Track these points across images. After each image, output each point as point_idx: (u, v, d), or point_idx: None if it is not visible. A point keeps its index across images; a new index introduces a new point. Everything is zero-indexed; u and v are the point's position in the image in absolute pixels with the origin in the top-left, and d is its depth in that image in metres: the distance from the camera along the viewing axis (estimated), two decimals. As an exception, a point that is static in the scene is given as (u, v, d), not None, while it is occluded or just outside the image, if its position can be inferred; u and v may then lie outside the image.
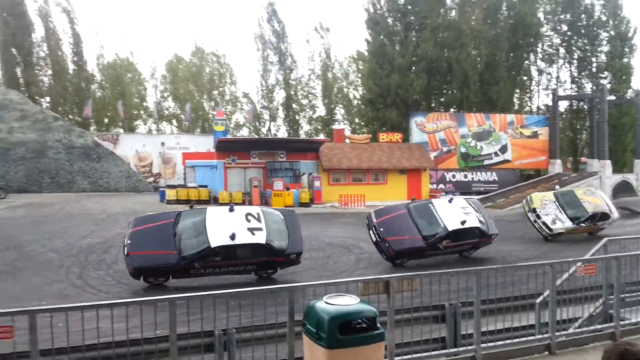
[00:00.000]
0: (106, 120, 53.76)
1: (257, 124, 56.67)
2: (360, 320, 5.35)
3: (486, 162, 41.43)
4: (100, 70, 56.01)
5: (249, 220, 13.19)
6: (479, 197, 31.59)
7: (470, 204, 16.32)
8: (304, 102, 57.53)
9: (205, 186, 31.93)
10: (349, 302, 5.46)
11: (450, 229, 15.08)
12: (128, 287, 12.60)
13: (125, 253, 12.55)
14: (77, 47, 53.66)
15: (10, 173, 36.19)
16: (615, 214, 21.58)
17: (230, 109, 58.11)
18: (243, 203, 29.51)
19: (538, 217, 19.83)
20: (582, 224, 19.98)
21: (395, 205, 17.79)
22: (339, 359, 4.99)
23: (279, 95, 56.56)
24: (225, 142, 32.73)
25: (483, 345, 6.25)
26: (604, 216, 20.66)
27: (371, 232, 15.58)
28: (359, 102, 55.03)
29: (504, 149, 42.00)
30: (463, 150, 41.18)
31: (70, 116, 50.74)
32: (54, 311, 4.65)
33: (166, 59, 62.44)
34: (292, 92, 56.03)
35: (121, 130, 49.66)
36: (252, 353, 6.19)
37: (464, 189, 38.77)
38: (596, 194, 22.16)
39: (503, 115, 42.89)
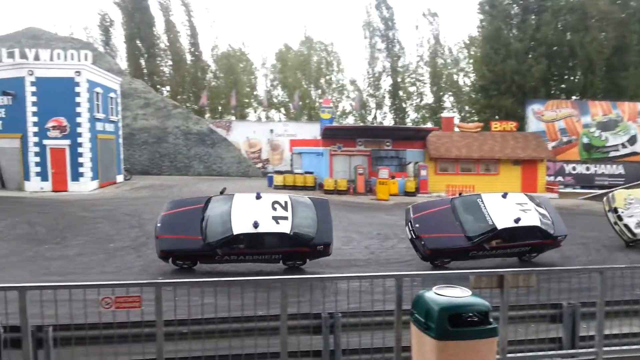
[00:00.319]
0: (220, 108, 56.77)
1: (363, 111, 56.72)
2: (471, 314, 5.20)
3: (612, 154, 38.02)
4: (214, 61, 59.18)
5: (275, 209, 12.96)
6: (603, 191, 29.15)
7: (532, 200, 14.54)
8: (411, 89, 56.57)
9: (312, 173, 32.64)
10: (460, 294, 5.32)
11: (500, 227, 13.29)
12: (236, 267, 13.23)
13: (155, 235, 12.91)
14: (194, 38, 57.10)
15: (134, 156, 39.59)
16: None
17: (337, 96, 58.71)
18: (348, 190, 29.80)
19: (619, 218, 16.89)
20: None
21: (438, 200, 16.73)
22: (449, 351, 4.89)
23: (386, 83, 56.13)
24: (332, 129, 33.14)
25: (606, 348, 5.78)
26: None
27: (407, 227, 14.36)
28: (470, 89, 52.99)
29: (632, 140, 38.26)
30: (585, 140, 38.13)
31: (188, 104, 54.28)
32: (178, 285, 5.01)
33: (276, 48, 64.38)
34: (399, 80, 55.30)
35: (233, 118, 52.20)
36: (358, 338, 6.24)
37: (585, 182, 35.96)
38: None
39: (633, 104, 38.99)
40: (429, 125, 49.64)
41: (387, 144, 32.26)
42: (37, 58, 28.67)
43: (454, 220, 13.80)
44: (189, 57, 57.22)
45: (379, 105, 56.64)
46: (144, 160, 40.13)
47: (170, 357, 5.23)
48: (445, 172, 32.11)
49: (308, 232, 12.74)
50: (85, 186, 27.81)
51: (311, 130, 42.57)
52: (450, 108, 55.77)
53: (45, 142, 27.28)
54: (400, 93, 55.54)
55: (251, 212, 12.69)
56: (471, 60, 53.75)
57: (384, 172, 29.52)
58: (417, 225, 13.77)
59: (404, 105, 56.31)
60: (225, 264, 12.86)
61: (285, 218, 12.68)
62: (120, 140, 34.84)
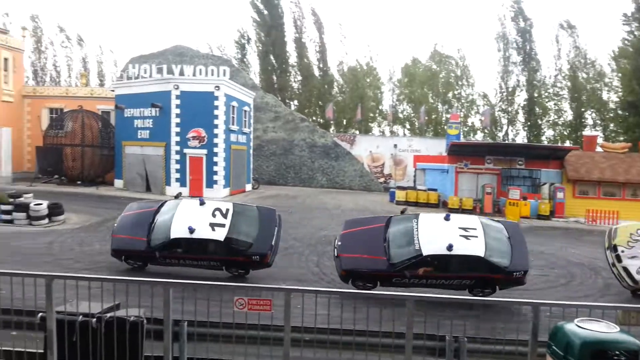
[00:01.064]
0: (344, 121, 57.93)
1: (494, 128, 54.43)
2: (618, 352, 4.74)
3: None
4: (341, 75, 60.61)
5: (214, 216, 12.89)
6: None
7: (487, 226, 12.28)
8: (549, 105, 53.20)
9: (435, 190, 31.94)
10: (605, 330, 4.88)
11: (425, 253, 11.46)
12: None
13: (111, 234, 13.79)
14: (323, 54, 59.01)
15: (262, 167, 41.73)
16: None
17: (465, 112, 57.03)
18: (474, 210, 28.68)
19: (618, 259, 13.36)
20: None
21: (375, 217, 14.99)
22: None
23: (520, 98, 53.42)
24: (459, 146, 32.21)
25: None
26: None
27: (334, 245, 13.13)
28: (617, 105, 48.53)
29: None
30: None
31: (314, 118, 56.12)
32: (306, 292, 5.17)
33: (403, 62, 64.29)
34: (536, 94, 52.29)
35: (357, 132, 52.92)
36: (485, 367, 5.96)
37: None
38: None
39: None
40: (568, 144, 46.18)
41: (520, 162, 30.57)
42: (182, 73, 31.54)
43: (381, 241, 12.28)
44: (317, 72, 59.27)
45: (511, 122, 54.06)
46: (271, 170, 42.13)
47: (295, 363, 5.40)
48: (585, 196, 29.59)
49: (244, 241, 12.70)
50: (218, 192, 29.84)
51: (436, 146, 41.75)
52: (593, 126, 51.51)
53: (185, 150, 29.81)
54: (536, 109, 52.47)
55: (191, 218, 12.81)
56: (619, 74, 49.27)
57: (514, 193, 27.99)
58: (339, 243, 12.56)
59: (539, 121, 53.10)
60: (170, 267, 13.05)
61: (222, 225, 12.67)
62: (251, 151, 36.98)
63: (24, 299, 5.74)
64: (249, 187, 35.79)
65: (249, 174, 36.42)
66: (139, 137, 31.18)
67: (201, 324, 5.75)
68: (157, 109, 30.11)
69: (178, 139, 29.78)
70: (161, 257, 12.79)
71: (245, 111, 34.52)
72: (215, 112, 29.88)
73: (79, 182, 32.17)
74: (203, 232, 12.52)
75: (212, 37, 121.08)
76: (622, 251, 13.11)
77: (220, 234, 12.51)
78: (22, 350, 5.85)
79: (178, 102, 29.69)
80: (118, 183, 32.78)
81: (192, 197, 14.63)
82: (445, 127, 44.25)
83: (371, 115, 58.72)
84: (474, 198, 29.86)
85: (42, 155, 33.03)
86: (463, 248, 11.35)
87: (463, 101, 57.69)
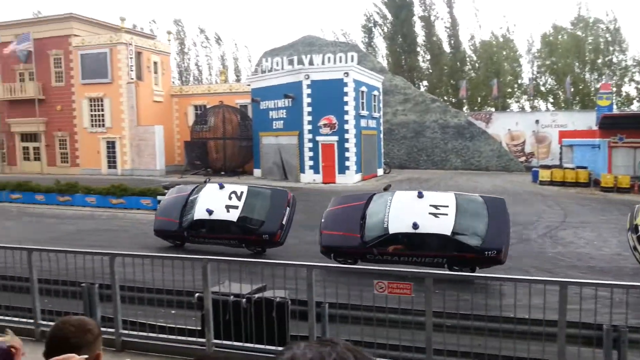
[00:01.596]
0: (479, 99, 55.40)
1: (654, 96, 48.49)
2: None
3: None
4: (473, 51, 57.93)
5: (230, 198, 14.03)
6: None
7: (463, 203, 11.85)
8: None
9: (585, 167, 29.38)
10: None
11: (391, 231, 11.39)
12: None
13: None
14: (454, 30, 56.81)
15: (393, 151, 41.52)
16: None
17: (617, 80, 51.46)
18: (631, 188, 25.92)
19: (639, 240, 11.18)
20: None
21: (360, 194, 14.39)
22: None
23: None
24: (612, 118, 29.21)
25: None
26: None
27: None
28: None
29: None
30: None
31: (445, 97, 54.42)
32: (452, 278, 5.07)
33: (543, 30, 59.65)
34: None
35: (493, 109, 50.35)
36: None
37: None
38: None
39: None
40: None
41: (688, 133, 26.96)
42: (311, 63, 32.43)
43: (359, 219, 12.36)
44: (447, 50, 57.32)
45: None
46: (402, 154, 41.76)
47: (438, 349, 5.36)
48: None
49: (256, 220, 13.89)
50: (350, 178, 30.35)
51: (585, 120, 38.29)
52: None
53: (317, 138, 30.70)
54: None
55: (211, 201, 14.14)
56: None
57: (682, 168, 24.76)
58: (323, 220, 12.90)
59: None
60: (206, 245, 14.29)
61: (236, 207, 13.86)
62: (381, 136, 36.98)
63: (184, 281, 6.36)
64: (380, 171, 35.89)
65: (380, 158, 36.50)
66: (274, 127, 32.75)
67: (342, 306, 5.93)
68: (290, 100, 31.31)
69: (310, 127, 30.74)
70: (189, 235, 14.34)
71: (374, 95, 34.57)
72: (345, 98, 30.31)
73: (222, 173, 34.71)
74: (220, 214, 13.87)
75: (339, 24, 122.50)
76: (636, 232, 11.16)
77: (233, 215, 13.80)
78: (183, 327, 6.50)
79: (309, 91, 30.60)
80: (257, 172, 34.79)
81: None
82: (595, 98, 40.33)
83: (509, 90, 55.45)
84: (632, 175, 26.95)
85: (190, 149, 36.16)
86: (429, 226, 11.31)
87: (615, 69, 52.07)
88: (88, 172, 36.67)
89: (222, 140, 34.83)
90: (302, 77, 30.74)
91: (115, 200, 23.02)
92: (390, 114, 42.00)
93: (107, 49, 36.17)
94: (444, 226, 11.29)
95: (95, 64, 36.49)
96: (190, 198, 14.96)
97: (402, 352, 5.56)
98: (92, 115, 37.34)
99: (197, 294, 6.46)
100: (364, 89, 32.23)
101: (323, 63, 32.12)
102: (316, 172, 30.82)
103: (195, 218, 14.07)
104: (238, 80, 70.59)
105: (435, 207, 11.68)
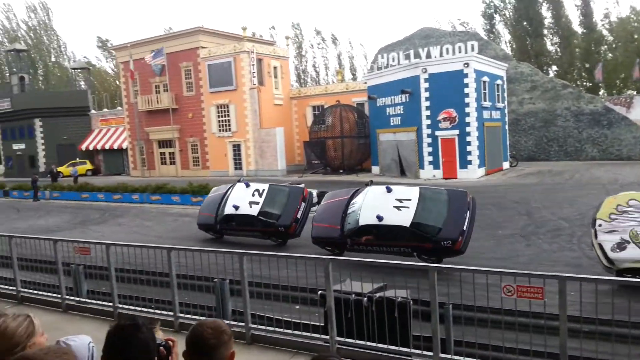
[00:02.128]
0: (618, 82, 50.60)
1: None
2: None
3: None
4: (609, 30, 52.98)
5: (253, 195, 16.04)
6: None
7: (426, 196, 12.86)
8: None
9: None
10: None
11: (361, 223, 12.78)
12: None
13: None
14: (586, 8, 52.41)
15: (520, 142, 39.26)
16: None
17: None
18: None
19: (595, 235, 10.64)
20: None
21: (346, 190, 15.22)
22: None
23: None
24: None
25: None
26: None
27: None
28: None
29: None
30: None
31: (578, 82, 50.40)
32: (583, 280, 4.72)
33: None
34: None
35: (635, 92, 45.66)
36: None
37: None
38: None
39: None
40: None
41: None
42: (428, 56, 31.76)
43: (341, 212, 13.64)
44: (579, 31, 53.04)
45: None
46: (530, 145, 39.37)
47: (574, 355, 4.99)
48: None
49: (273, 214, 15.49)
50: (473, 173, 29.27)
51: None
52: None
53: (437, 133, 29.99)
54: None
55: (238, 198, 16.24)
56: None
57: None
58: (314, 214, 14.75)
59: None
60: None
61: (257, 203, 15.73)
62: (506, 127, 35.19)
63: (307, 278, 6.57)
64: (506, 165, 34.19)
65: (506, 151, 34.75)
66: (392, 124, 32.57)
67: (468, 307, 5.75)
68: (407, 95, 30.94)
69: (429, 122, 30.13)
70: (222, 228, 16.41)
71: (497, 85, 33.00)
72: (466, 90, 29.28)
73: (341, 171, 35.27)
74: (244, 209, 15.86)
75: (456, 14, 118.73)
76: (600, 225, 10.58)
77: (255, 210, 15.67)
78: (307, 322, 6.72)
79: (427, 85, 29.99)
80: (375, 169, 34.87)
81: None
82: None
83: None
84: None
85: (309, 149, 37.21)
86: (392, 219, 12.32)
87: None
88: (217, 174, 39.26)
89: (340, 139, 35.39)
90: (419, 71, 30.21)
91: (243, 199, 24.40)
92: (516, 103, 39.78)
93: (231, 58, 38.40)
94: (404, 218, 12.28)
95: (221, 73, 38.93)
96: (225, 196, 16.88)
97: (533, 358, 5.27)
98: (219, 121, 39.89)
99: (319, 292, 6.64)
100: (485, 78, 30.89)
101: (441, 55, 31.29)
102: (436, 167, 30.13)
103: (225, 213, 16.06)
104: (354, 79, 71.28)
105: (400, 200, 12.70)
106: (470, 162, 29.54)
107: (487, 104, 31.05)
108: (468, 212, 12.59)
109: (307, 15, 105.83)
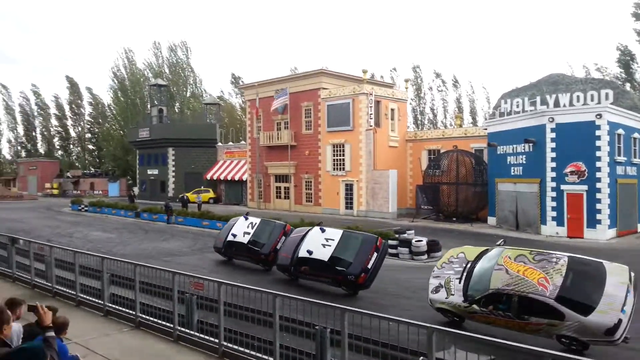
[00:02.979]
0: None
1: None
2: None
3: None
4: None
5: (247, 227, 19.86)
6: None
7: (346, 237, 16.12)
8: None
9: None
10: None
11: (299, 255, 16.23)
12: None
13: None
14: None
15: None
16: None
17: None
18: None
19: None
20: (483, 308, 10.82)
21: (304, 229, 18.29)
22: None
23: None
24: None
25: None
26: (544, 309, 10.01)
27: None
28: None
29: None
30: None
31: None
32: None
33: None
34: None
35: None
36: None
37: None
38: (558, 264, 10.57)
39: None
40: None
41: None
42: (557, 104, 30.12)
43: (295, 246, 16.91)
44: None
45: None
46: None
47: None
48: None
49: (259, 243, 18.95)
50: (602, 234, 26.87)
51: None
52: None
53: (562, 187, 28.01)
54: None
55: (239, 229, 20.17)
56: None
57: None
58: (280, 245, 18.36)
59: None
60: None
61: (249, 234, 19.52)
62: (643, 185, 32.02)
63: (408, 342, 6.33)
64: (641, 227, 30.99)
65: (641, 211, 31.54)
66: (512, 173, 31.08)
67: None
68: (531, 144, 29.44)
69: (554, 174, 28.31)
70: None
71: (634, 139, 30.31)
72: (597, 143, 27.20)
73: (454, 219, 34.15)
74: (240, 238, 19.58)
75: (591, 58, 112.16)
76: (434, 271, 13.01)
77: (246, 239, 19.40)
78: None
79: (553, 135, 28.32)
80: (491, 220, 33.32)
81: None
82: None
83: None
84: None
85: (422, 193, 36.59)
86: (318, 253, 15.60)
87: None
88: (328, 211, 39.88)
89: (454, 185, 34.44)
90: (545, 120, 28.66)
91: (350, 241, 24.38)
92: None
93: (350, 99, 39.32)
94: (325, 254, 15.45)
95: (339, 113, 39.95)
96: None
97: None
98: (334, 160, 40.73)
99: (421, 357, 6.37)
100: (620, 131, 28.52)
101: (571, 103, 29.57)
102: (560, 224, 28.06)
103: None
104: (474, 123, 69.55)
105: (327, 239, 15.98)
106: (599, 222, 27.13)
107: (622, 159, 28.56)
108: (375, 254, 15.17)
109: (429, 56, 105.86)
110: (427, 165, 37.73)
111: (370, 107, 38.57)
